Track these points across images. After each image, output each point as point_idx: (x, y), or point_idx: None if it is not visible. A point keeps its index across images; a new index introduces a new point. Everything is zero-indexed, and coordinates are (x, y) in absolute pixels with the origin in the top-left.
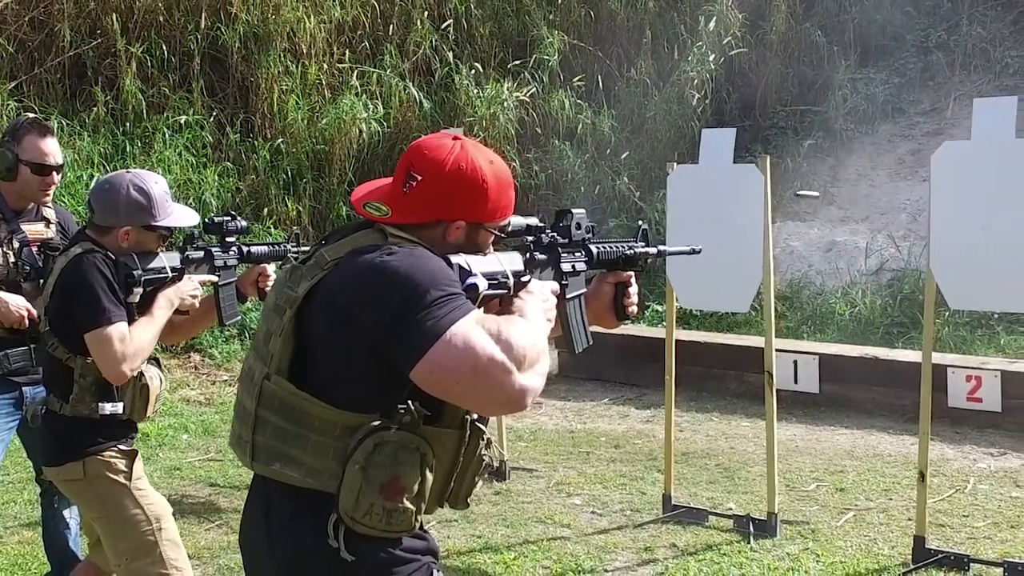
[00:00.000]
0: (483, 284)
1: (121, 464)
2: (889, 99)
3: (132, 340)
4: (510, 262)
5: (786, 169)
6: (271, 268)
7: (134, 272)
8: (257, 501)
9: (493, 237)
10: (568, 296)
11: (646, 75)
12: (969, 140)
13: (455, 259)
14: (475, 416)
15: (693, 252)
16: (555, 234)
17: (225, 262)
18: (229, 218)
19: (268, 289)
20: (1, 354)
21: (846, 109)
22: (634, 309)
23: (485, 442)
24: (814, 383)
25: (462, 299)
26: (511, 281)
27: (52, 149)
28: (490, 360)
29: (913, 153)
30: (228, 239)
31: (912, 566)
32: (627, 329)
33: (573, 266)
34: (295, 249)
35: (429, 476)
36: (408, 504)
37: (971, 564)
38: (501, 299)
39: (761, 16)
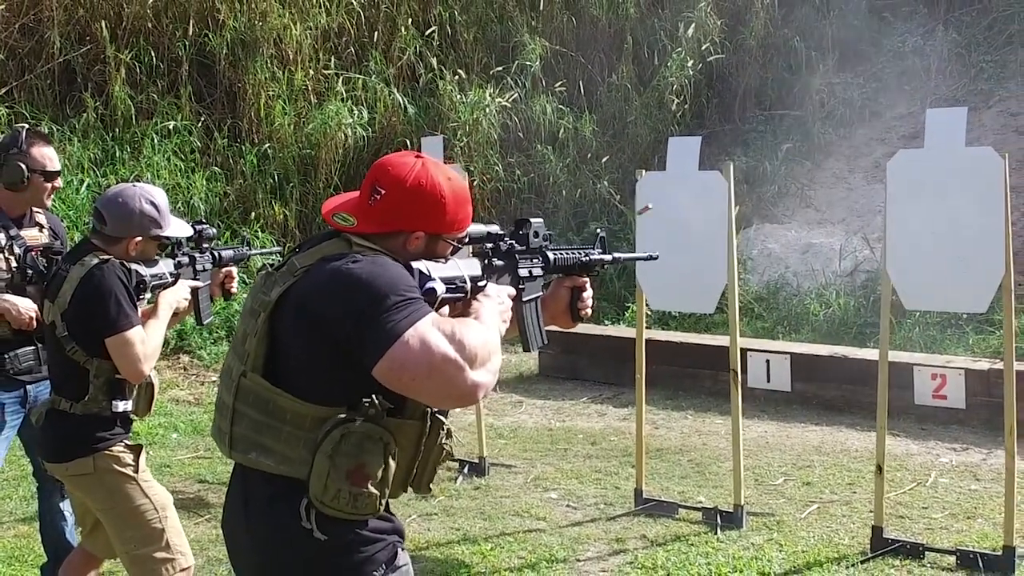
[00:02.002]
0: (441, 288)
1: (128, 458)
2: (866, 103)
3: (150, 342)
4: (468, 268)
5: (764, 172)
6: (235, 270)
7: (145, 279)
8: (236, 488)
9: (451, 248)
10: (525, 299)
11: (627, 80)
12: (922, 148)
13: (416, 265)
14: (435, 409)
15: (650, 258)
16: (513, 241)
17: (204, 266)
18: (205, 226)
19: (232, 289)
20: (11, 354)
21: (824, 113)
22: (588, 312)
23: (445, 432)
24: (786, 382)
25: (420, 303)
26: (468, 286)
27: (54, 155)
28: (444, 358)
29: (889, 156)
30: (204, 245)
31: (870, 555)
32: (606, 330)
33: (530, 272)
34: (251, 252)
35: (392, 464)
36: (373, 489)
37: (926, 552)
38: (459, 302)
39: (740, 22)
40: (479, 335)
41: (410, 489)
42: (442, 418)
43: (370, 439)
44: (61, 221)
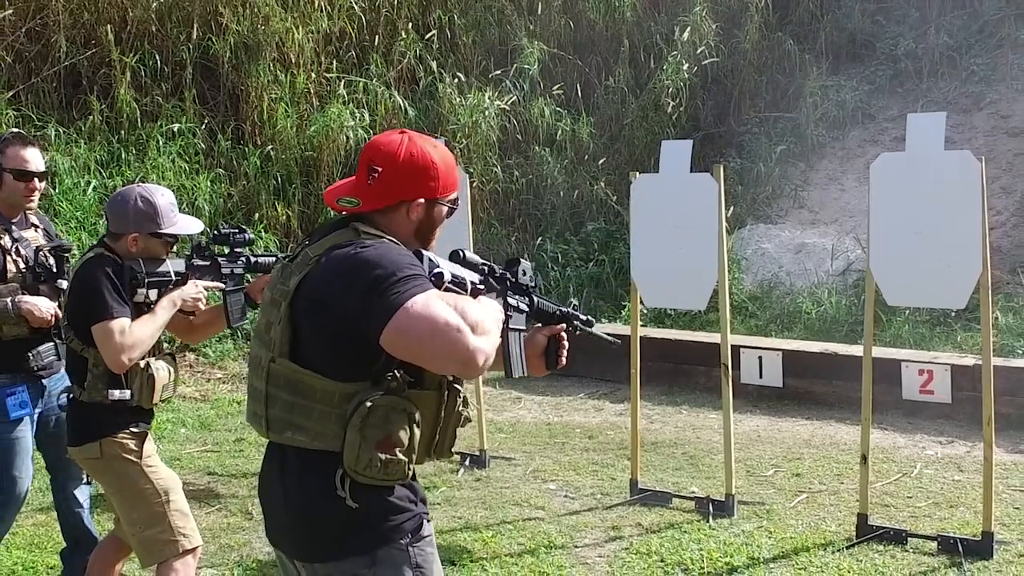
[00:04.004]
0: (448, 275)
1: (132, 444)
2: (859, 105)
3: (132, 333)
4: (470, 274)
5: (759, 174)
6: None
7: (138, 274)
8: (272, 464)
9: (447, 210)
10: (511, 327)
11: (624, 83)
12: (903, 151)
13: (426, 253)
14: (451, 378)
15: (612, 343)
16: (507, 272)
17: (232, 270)
18: (237, 231)
19: None
20: (34, 352)
21: (817, 115)
22: (563, 361)
23: (462, 400)
24: (778, 377)
25: (424, 279)
26: (469, 287)
27: (32, 157)
28: (447, 323)
29: None
30: (236, 250)
31: (855, 540)
32: (603, 328)
33: (517, 304)
34: None
35: (417, 432)
36: (401, 456)
37: (909, 538)
38: None
39: (735, 25)
40: (479, 310)
41: (433, 455)
42: (458, 387)
43: (395, 410)
44: (49, 220)
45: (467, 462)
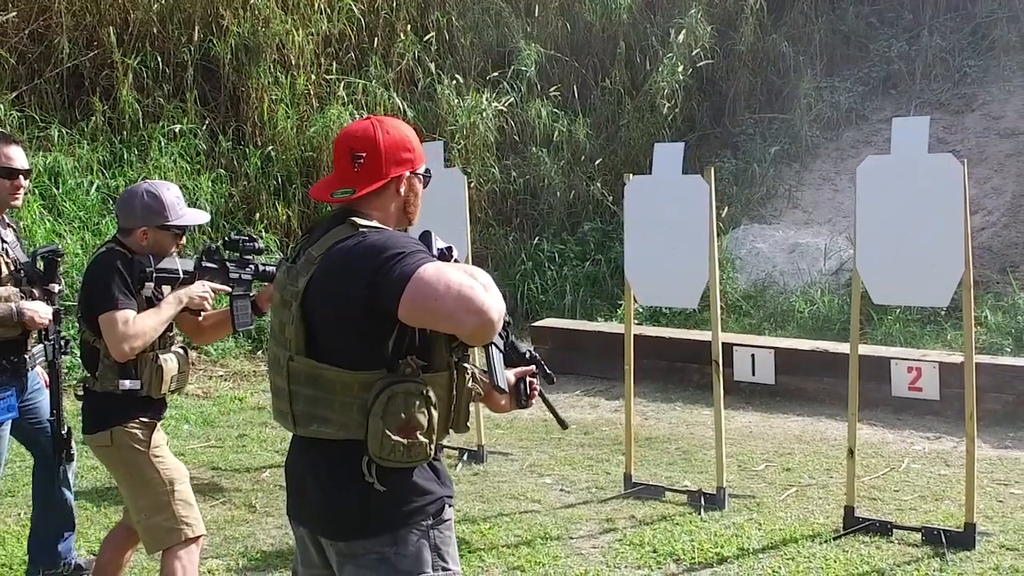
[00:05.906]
0: (456, 252)
1: (140, 434)
2: (853, 107)
3: (135, 324)
4: None
5: (753, 174)
6: None
7: (146, 269)
8: (300, 456)
9: (423, 180)
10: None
11: (620, 84)
12: (889, 154)
13: (433, 235)
14: (456, 358)
15: (562, 424)
16: None
17: (240, 276)
18: (248, 239)
19: None
20: (30, 354)
21: (811, 116)
22: (532, 402)
23: (471, 376)
24: (770, 375)
25: (429, 255)
26: None
27: (16, 155)
28: (460, 281)
29: None
30: (246, 257)
31: (842, 532)
32: (599, 326)
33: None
34: None
35: (434, 413)
36: (422, 438)
37: (894, 530)
38: None
39: (731, 27)
40: (488, 276)
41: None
42: (466, 365)
43: (411, 395)
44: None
45: (465, 457)
